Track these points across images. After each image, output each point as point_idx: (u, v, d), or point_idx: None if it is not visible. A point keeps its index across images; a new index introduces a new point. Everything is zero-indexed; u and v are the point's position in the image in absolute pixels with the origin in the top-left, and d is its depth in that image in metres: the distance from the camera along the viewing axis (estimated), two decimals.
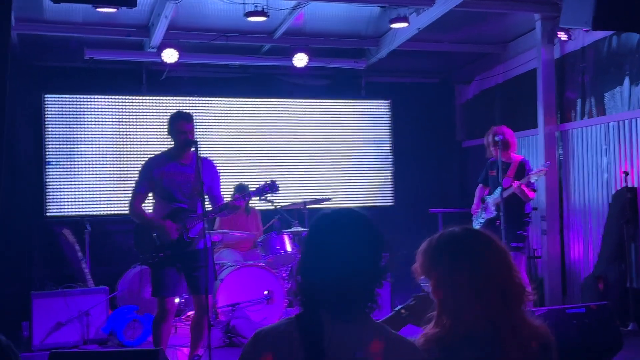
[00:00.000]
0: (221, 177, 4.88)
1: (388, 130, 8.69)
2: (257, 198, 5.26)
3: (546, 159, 6.78)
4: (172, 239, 4.48)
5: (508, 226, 5.67)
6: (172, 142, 4.67)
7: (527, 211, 5.92)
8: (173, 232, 4.48)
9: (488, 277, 1.81)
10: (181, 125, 4.57)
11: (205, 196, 4.61)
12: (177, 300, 5.22)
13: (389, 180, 8.69)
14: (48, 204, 7.40)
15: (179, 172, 4.58)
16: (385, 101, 8.69)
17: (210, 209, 4.71)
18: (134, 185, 4.72)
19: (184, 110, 4.90)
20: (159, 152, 4.82)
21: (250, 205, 6.96)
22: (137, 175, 4.73)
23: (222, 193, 4.85)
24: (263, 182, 4.85)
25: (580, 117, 6.85)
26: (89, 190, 7.52)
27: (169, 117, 4.72)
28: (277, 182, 4.84)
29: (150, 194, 4.70)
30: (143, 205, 4.68)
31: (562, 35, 6.75)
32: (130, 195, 4.71)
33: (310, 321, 1.70)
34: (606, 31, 6.17)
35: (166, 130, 4.69)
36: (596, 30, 5.97)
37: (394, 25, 6.67)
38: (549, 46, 6.96)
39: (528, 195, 5.79)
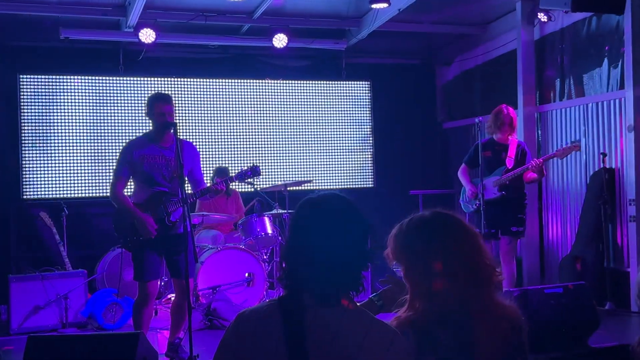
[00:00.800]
0: (201, 159, 4.84)
1: (368, 112, 8.66)
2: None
3: (525, 139, 6.81)
4: (150, 237, 4.42)
5: (509, 209, 5.59)
6: (151, 124, 4.61)
7: (527, 192, 5.78)
8: (152, 230, 4.43)
9: (458, 260, 1.82)
10: (159, 106, 4.51)
11: (186, 179, 4.57)
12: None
13: (370, 161, 8.68)
14: (24, 186, 7.28)
15: (159, 155, 4.52)
16: (366, 82, 8.66)
17: (191, 192, 4.67)
18: (113, 168, 4.66)
19: (163, 92, 4.84)
20: (139, 135, 4.77)
21: (230, 187, 6.92)
22: (115, 158, 4.68)
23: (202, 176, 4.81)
24: (245, 167, 4.81)
25: (560, 98, 6.89)
26: (66, 173, 7.41)
27: (147, 99, 4.66)
28: (258, 166, 4.81)
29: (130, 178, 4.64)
30: (124, 190, 4.62)
31: (542, 17, 6.76)
32: (108, 177, 4.66)
33: (292, 304, 1.70)
34: (585, 12, 6.19)
35: (145, 112, 4.63)
36: (575, 12, 6.00)
37: (375, 6, 6.61)
38: (529, 27, 6.97)
39: (544, 172, 5.68)
